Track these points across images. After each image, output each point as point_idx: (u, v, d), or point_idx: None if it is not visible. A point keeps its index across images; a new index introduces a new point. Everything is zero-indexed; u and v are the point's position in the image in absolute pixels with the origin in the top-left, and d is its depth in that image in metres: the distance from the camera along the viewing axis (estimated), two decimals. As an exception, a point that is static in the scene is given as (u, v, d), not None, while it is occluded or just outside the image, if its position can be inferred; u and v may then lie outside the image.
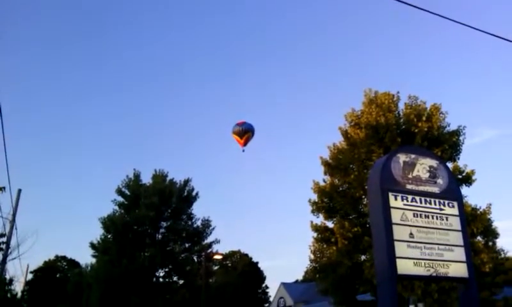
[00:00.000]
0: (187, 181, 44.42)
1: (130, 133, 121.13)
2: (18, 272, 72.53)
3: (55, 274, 65.79)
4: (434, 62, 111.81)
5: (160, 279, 42.19)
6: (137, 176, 43.36)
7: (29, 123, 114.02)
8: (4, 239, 19.49)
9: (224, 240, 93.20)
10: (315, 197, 21.99)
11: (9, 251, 20.23)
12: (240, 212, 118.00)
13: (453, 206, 8.96)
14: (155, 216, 40.46)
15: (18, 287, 49.57)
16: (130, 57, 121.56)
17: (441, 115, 20.89)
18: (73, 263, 66.07)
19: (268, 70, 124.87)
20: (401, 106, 21.67)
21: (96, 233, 56.70)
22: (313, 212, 21.86)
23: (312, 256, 22.15)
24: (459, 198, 9.26)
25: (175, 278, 43.27)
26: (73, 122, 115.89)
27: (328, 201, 21.70)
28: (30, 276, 58.20)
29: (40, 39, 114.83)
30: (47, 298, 57.87)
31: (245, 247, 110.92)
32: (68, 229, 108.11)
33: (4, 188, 12.80)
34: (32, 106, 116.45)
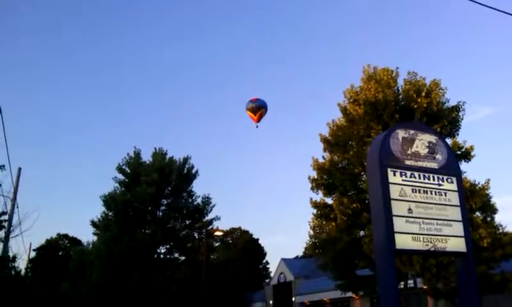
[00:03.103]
0: (186, 159, 44.51)
1: (132, 112, 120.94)
2: (21, 250, 73.05)
3: (57, 251, 66.28)
4: (435, 39, 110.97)
5: (162, 256, 42.57)
6: (137, 154, 43.44)
7: (29, 101, 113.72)
8: (6, 217, 19.63)
9: (225, 217, 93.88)
10: (314, 174, 22.04)
11: (11, 228, 20.40)
12: (241, 189, 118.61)
13: (452, 182, 8.97)
14: (155, 193, 40.63)
15: (21, 264, 50.05)
16: (129, 36, 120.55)
17: (440, 91, 20.72)
18: (75, 241, 66.58)
19: (269, 49, 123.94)
20: (400, 82, 21.55)
21: (97, 211, 57.01)
22: (312, 188, 21.92)
23: (312, 232, 22.31)
24: (457, 174, 9.28)
25: (176, 255, 43.68)
26: (74, 100, 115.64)
27: (327, 178, 21.72)
28: (33, 254, 58.72)
29: (42, 21, 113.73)
30: (50, 275, 58.40)
31: (246, 223, 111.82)
32: (69, 207, 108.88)
33: (3, 166, 12.83)
34: (33, 84, 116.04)
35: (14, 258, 26.04)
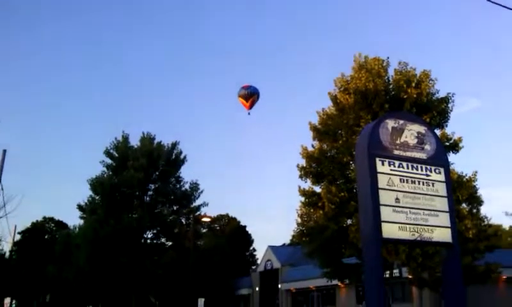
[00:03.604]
0: (175, 145, 44.32)
1: (120, 94, 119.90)
2: (6, 232, 72.47)
3: (43, 235, 65.89)
4: (425, 31, 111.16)
5: (148, 241, 42.51)
6: (125, 138, 43.14)
7: (15, 81, 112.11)
8: (-10, 199, 19.37)
9: (213, 204, 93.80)
10: (303, 162, 22.04)
11: (-4, 210, 20.13)
12: (229, 175, 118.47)
13: (439, 173, 8.97)
14: (143, 178, 40.47)
15: (6, 247, 49.74)
16: (126, 25, 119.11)
17: (430, 82, 20.77)
18: (61, 225, 66.21)
19: (262, 36, 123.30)
20: (391, 72, 21.52)
21: (84, 195, 56.67)
22: (301, 176, 21.93)
23: (299, 220, 22.33)
24: (445, 165, 9.28)
25: (163, 240, 43.68)
26: (62, 83, 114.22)
27: (315, 166, 21.72)
28: (18, 237, 58.29)
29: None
30: (35, 258, 58.10)
31: (233, 210, 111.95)
32: (55, 190, 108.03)
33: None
34: (20, 65, 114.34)
35: (-1, 241, 25.81)
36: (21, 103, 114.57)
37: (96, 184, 40.66)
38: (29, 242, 62.34)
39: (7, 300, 29.85)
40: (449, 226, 8.64)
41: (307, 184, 22.09)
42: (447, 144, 19.62)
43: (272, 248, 51.53)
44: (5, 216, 21.16)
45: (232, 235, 61.89)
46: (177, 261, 39.37)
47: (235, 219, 67.62)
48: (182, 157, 44.39)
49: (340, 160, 21.08)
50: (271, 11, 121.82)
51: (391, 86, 21.06)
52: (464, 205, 19.48)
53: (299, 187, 22.02)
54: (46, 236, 65.69)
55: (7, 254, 51.58)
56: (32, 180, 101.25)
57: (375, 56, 21.60)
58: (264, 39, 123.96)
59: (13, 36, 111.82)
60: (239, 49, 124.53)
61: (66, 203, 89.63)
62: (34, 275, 56.08)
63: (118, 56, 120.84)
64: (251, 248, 69.01)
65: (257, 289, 51.42)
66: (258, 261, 57.96)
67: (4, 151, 20.53)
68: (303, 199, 22.03)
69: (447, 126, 20.93)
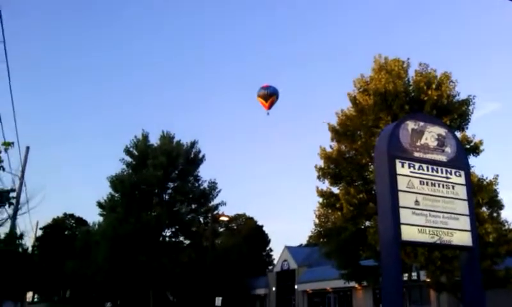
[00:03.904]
0: (193, 143, 44.61)
1: (141, 93, 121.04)
2: (28, 228, 73.83)
3: (63, 231, 66.97)
4: (445, 33, 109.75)
5: (167, 239, 42.83)
6: (145, 137, 43.57)
7: (39, 79, 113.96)
8: (14, 194, 19.80)
9: (230, 203, 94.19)
10: (321, 163, 22.02)
11: (19, 206, 20.58)
12: (247, 175, 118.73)
13: (460, 175, 8.91)
14: (162, 177, 40.81)
15: (28, 242, 50.71)
16: (143, 25, 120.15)
17: (451, 84, 20.58)
18: (81, 221, 67.21)
19: (282, 36, 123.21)
20: (411, 73, 21.38)
21: (104, 192, 57.45)
22: (319, 177, 21.91)
23: (317, 221, 22.31)
24: (466, 167, 9.21)
25: (181, 238, 43.98)
26: (84, 81, 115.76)
27: (334, 167, 21.68)
28: (39, 232, 59.40)
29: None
30: (56, 254, 59.05)
31: (250, 210, 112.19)
32: (76, 188, 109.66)
33: (12, 143, 12.83)
34: (43, 63, 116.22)
35: (21, 236, 26.28)
36: (41, 103, 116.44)
37: (116, 182, 41.14)
38: (50, 237, 63.43)
39: (29, 295, 30.44)
40: (469, 229, 8.58)
41: (325, 185, 22.09)
42: (468, 146, 19.38)
43: (289, 248, 51.52)
44: (28, 212, 21.62)
45: (249, 234, 62.04)
46: (195, 259, 39.62)
47: (252, 218, 67.78)
48: (200, 156, 44.70)
49: (359, 161, 21.01)
50: (291, 13, 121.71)
51: (411, 88, 20.92)
52: (484, 209, 19.21)
53: (317, 187, 22.00)
54: (66, 233, 66.76)
55: (29, 250, 52.47)
56: (54, 177, 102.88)
57: (395, 57, 21.49)
58: (285, 37, 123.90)
59: (25, 38, 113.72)
60: (260, 46, 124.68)
61: (86, 200, 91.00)
62: (54, 270, 56.95)
63: (139, 55, 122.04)
64: (268, 248, 69.12)
65: (273, 289, 51.47)
66: (275, 262, 58.02)
67: (27, 148, 21.00)
68: (320, 200, 22.01)
69: (467, 128, 20.72)
